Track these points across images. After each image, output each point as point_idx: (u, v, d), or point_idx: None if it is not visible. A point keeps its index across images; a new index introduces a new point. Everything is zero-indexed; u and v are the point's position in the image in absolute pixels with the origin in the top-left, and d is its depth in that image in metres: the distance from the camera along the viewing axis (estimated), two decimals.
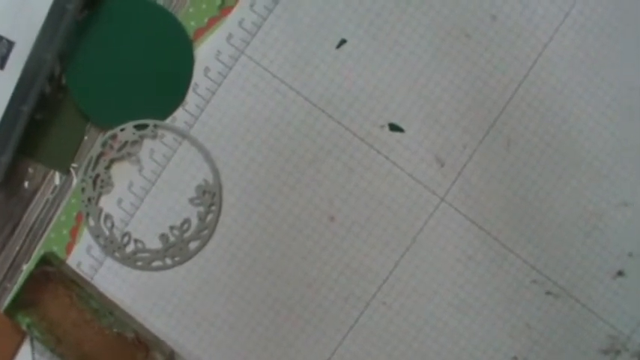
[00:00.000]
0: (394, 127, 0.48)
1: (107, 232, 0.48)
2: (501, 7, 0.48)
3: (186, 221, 0.48)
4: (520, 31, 0.49)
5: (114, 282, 0.48)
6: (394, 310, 0.48)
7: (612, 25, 0.49)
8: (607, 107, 0.49)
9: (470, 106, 0.48)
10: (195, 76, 0.48)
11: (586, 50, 0.49)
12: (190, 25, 0.48)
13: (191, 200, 0.48)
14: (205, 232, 0.48)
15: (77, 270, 0.48)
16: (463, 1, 0.48)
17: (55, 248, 0.48)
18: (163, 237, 0.48)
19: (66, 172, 0.49)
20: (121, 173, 0.48)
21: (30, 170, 0.49)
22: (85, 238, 0.48)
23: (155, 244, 0.48)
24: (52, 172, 0.49)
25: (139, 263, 0.48)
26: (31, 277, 0.46)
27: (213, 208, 0.47)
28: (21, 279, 0.48)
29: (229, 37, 0.48)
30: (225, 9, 0.48)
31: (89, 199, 0.48)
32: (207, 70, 0.48)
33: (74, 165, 0.49)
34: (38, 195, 0.49)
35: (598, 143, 0.49)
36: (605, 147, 0.49)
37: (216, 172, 0.48)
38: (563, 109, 0.49)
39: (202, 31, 0.48)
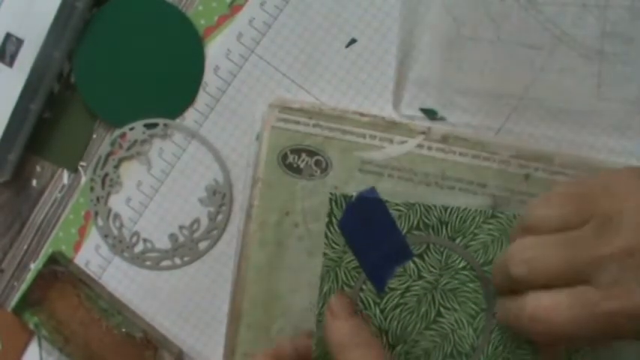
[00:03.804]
0: None
1: (116, 232, 0.48)
2: (507, 12, 0.48)
3: (196, 221, 0.47)
4: (528, 33, 0.48)
5: (122, 281, 0.48)
6: None
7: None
8: None
9: None
10: (205, 74, 0.47)
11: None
12: (200, 24, 0.47)
13: (201, 200, 0.47)
14: (215, 232, 0.47)
15: (85, 269, 0.48)
16: (473, 2, 0.48)
17: (63, 247, 0.48)
18: (172, 237, 0.48)
19: (74, 170, 0.48)
20: (130, 172, 0.48)
21: (38, 168, 0.48)
22: (94, 237, 0.48)
23: (164, 243, 0.48)
24: (60, 170, 0.48)
25: (148, 263, 0.48)
26: (39, 276, 0.46)
27: (223, 208, 0.47)
28: (29, 278, 0.48)
29: (239, 35, 0.47)
30: (235, 7, 0.48)
31: (98, 198, 0.48)
32: (217, 68, 0.48)
33: (82, 163, 0.48)
34: (46, 193, 0.48)
35: None
36: None
37: (226, 172, 0.47)
38: None
39: (212, 29, 0.48)
